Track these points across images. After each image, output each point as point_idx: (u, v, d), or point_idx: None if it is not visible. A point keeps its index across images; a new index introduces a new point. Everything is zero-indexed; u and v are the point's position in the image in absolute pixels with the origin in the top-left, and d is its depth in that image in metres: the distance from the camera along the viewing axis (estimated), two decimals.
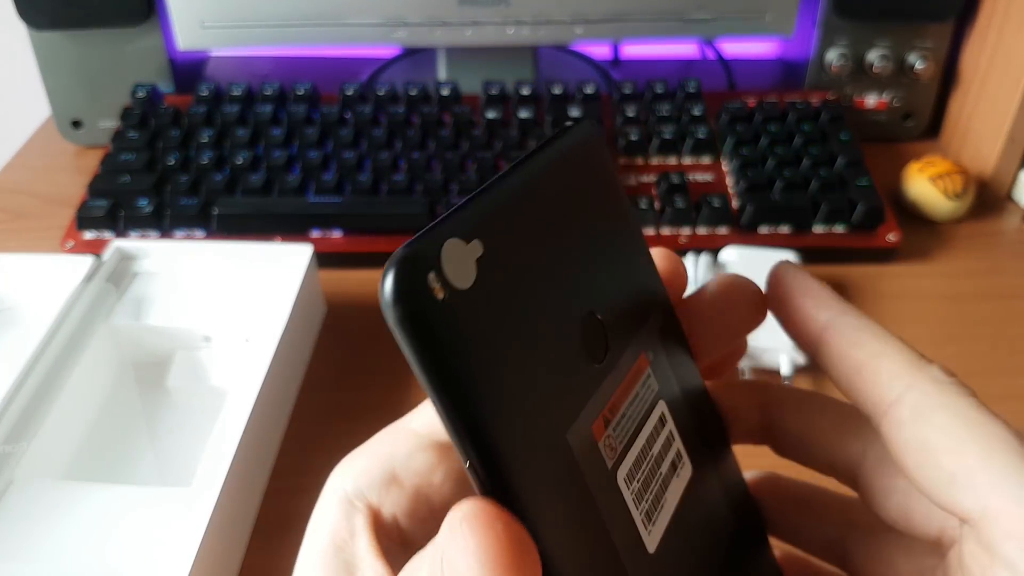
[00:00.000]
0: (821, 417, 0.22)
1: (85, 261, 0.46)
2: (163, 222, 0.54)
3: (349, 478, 0.21)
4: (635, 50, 0.77)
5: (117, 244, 0.48)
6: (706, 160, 0.59)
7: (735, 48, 0.76)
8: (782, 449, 0.23)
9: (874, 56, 0.63)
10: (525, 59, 0.67)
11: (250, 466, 0.39)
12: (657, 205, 0.54)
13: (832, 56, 0.63)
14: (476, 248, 0.16)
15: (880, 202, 0.53)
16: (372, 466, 0.21)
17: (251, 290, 0.46)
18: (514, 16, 0.61)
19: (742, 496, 0.23)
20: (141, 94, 0.61)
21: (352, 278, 0.53)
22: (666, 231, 0.54)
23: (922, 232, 0.57)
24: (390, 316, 0.15)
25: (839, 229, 0.54)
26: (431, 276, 0.15)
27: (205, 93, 0.62)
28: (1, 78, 0.83)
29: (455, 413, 0.15)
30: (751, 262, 0.49)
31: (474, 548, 0.15)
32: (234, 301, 0.46)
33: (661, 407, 0.20)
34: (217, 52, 0.75)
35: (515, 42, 0.62)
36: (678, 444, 0.20)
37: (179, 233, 0.54)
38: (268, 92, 0.62)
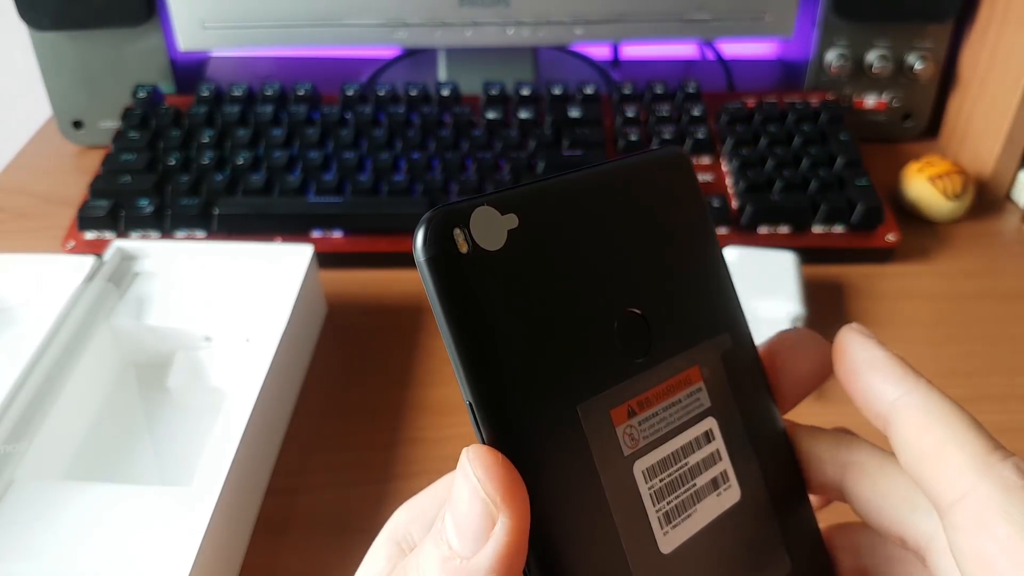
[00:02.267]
0: (896, 490, 0.21)
1: (86, 261, 0.46)
2: (164, 222, 0.54)
3: (403, 520, 0.21)
4: (635, 51, 0.77)
5: (118, 244, 0.48)
6: (706, 160, 0.59)
7: (734, 49, 0.76)
8: (856, 512, 0.22)
9: (873, 57, 0.63)
10: (525, 60, 0.68)
11: (251, 466, 0.39)
12: None
13: (831, 57, 0.63)
14: (511, 220, 0.18)
15: (879, 202, 0.54)
16: (427, 509, 0.21)
17: (252, 290, 0.46)
18: (514, 17, 0.61)
19: (808, 542, 0.22)
20: (142, 94, 0.61)
21: (353, 278, 0.53)
22: None
23: (921, 232, 0.57)
24: (417, 257, 0.17)
25: (838, 229, 0.54)
26: (457, 230, 0.17)
27: (206, 94, 0.62)
28: (2, 78, 0.83)
29: (458, 351, 0.17)
30: (751, 262, 0.49)
31: (469, 468, 0.16)
32: (235, 301, 0.46)
33: (709, 423, 0.20)
34: (218, 53, 0.75)
35: (515, 43, 0.62)
36: (725, 465, 0.20)
37: (180, 233, 0.54)
38: (269, 93, 0.62)
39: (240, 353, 0.44)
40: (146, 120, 0.60)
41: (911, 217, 0.58)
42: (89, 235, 0.54)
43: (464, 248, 0.17)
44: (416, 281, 0.53)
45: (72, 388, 0.41)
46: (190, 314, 0.45)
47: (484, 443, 0.17)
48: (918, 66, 0.62)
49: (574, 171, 0.19)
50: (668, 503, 0.19)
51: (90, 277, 0.45)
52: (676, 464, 0.20)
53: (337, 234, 0.54)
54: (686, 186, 0.21)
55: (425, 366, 0.47)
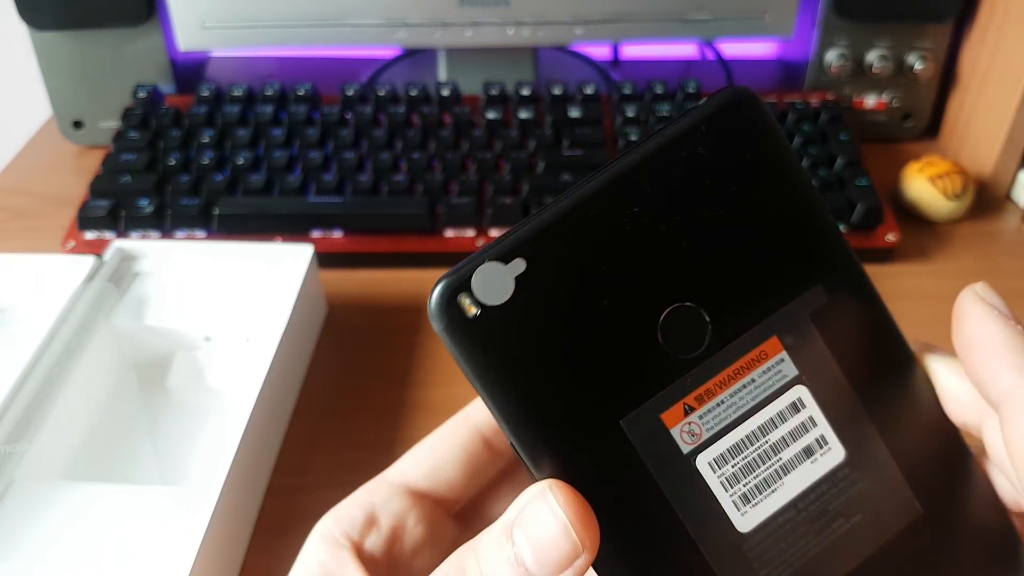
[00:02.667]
0: None
1: (86, 261, 0.46)
2: (164, 222, 0.54)
3: (332, 523, 0.23)
4: (635, 51, 0.77)
5: (118, 244, 0.48)
6: None
7: (735, 49, 0.76)
8: (989, 457, 0.21)
9: (873, 57, 0.63)
10: (525, 60, 0.68)
11: (251, 466, 0.39)
12: None
13: (831, 57, 0.63)
14: (517, 266, 0.18)
15: (879, 202, 0.54)
16: (354, 511, 0.23)
17: (252, 290, 0.46)
18: (514, 17, 0.61)
19: (950, 482, 0.21)
20: (142, 94, 0.61)
21: (353, 278, 0.53)
22: None
23: (921, 232, 0.57)
24: (435, 328, 0.18)
25: None
26: (460, 297, 0.18)
27: (206, 93, 0.62)
28: (2, 78, 0.83)
29: (493, 406, 0.18)
30: None
31: (559, 507, 0.18)
32: (235, 301, 0.46)
33: (798, 392, 0.20)
34: (218, 53, 0.75)
35: (515, 43, 0.62)
36: (821, 430, 0.20)
37: (180, 233, 0.54)
38: (269, 93, 0.62)
39: (240, 353, 0.44)
40: (146, 120, 0.60)
41: (911, 217, 0.58)
42: (89, 235, 0.54)
43: (472, 311, 0.18)
44: (416, 281, 0.53)
45: (72, 388, 0.41)
46: (190, 314, 0.45)
47: (534, 478, 0.19)
48: (918, 66, 0.63)
49: (600, 169, 0.19)
50: (745, 485, 0.19)
51: (90, 277, 0.45)
52: (752, 445, 0.19)
53: (337, 234, 0.54)
54: (749, 130, 0.19)
55: (425, 366, 0.47)
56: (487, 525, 0.20)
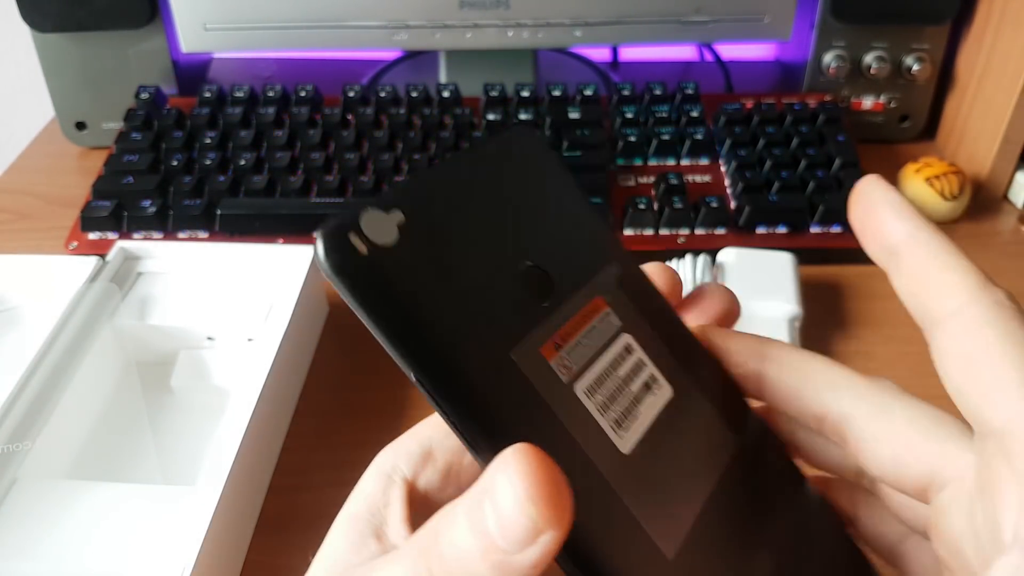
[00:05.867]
0: (816, 373, 0.23)
1: (89, 262, 0.46)
2: (167, 223, 0.54)
3: (390, 456, 0.23)
4: (634, 53, 0.77)
5: (121, 245, 0.48)
6: (704, 161, 0.59)
7: (733, 51, 0.76)
8: (775, 401, 0.24)
9: (871, 58, 0.63)
10: (525, 61, 0.68)
11: (253, 465, 0.39)
12: (655, 206, 0.55)
13: (829, 58, 0.63)
14: (396, 216, 0.19)
15: None
16: (411, 445, 0.23)
17: (254, 290, 0.47)
18: (514, 19, 0.61)
19: (749, 423, 0.25)
20: (145, 96, 0.62)
21: None
22: (664, 232, 0.54)
23: None
24: (324, 269, 0.18)
25: (835, 230, 0.54)
26: (351, 235, 0.18)
27: (208, 95, 0.62)
28: (5, 80, 0.83)
29: (389, 340, 0.19)
30: (748, 263, 0.49)
31: (524, 474, 0.16)
32: (237, 301, 0.46)
33: (626, 339, 0.23)
34: (220, 54, 0.76)
35: (515, 45, 0.62)
36: (651, 369, 0.23)
37: (183, 234, 0.54)
38: (271, 94, 0.62)
39: (242, 353, 0.45)
40: (149, 121, 0.60)
41: None
42: (92, 236, 0.54)
43: (364, 250, 0.18)
44: None
45: (75, 387, 0.41)
46: (193, 314, 0.45)
47: (440, 410, 0.19)
48: (915, 67, 0.63)
49: (446, 161, 0.22)
50: (614, 411, 0.22)
51: (93, 277, 0.45)
52: (610, 377, 0.22)
53: None
54: (538, 155, 0.24)
55: None
56: None
